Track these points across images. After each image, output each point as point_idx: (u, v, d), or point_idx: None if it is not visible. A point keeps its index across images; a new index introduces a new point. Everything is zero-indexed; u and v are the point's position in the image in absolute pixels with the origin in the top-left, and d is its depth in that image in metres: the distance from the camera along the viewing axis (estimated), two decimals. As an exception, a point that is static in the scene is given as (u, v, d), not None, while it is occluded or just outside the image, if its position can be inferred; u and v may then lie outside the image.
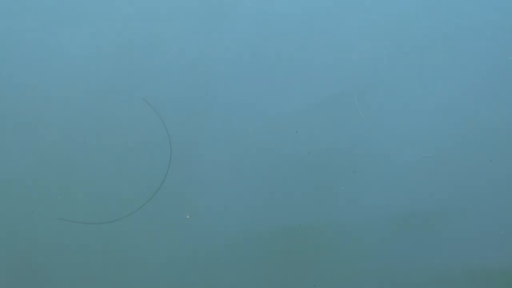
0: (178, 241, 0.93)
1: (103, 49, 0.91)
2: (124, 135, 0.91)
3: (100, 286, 0.93)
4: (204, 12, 0.91)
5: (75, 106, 0.91)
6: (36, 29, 0.91)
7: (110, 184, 0.92)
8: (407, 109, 0.93)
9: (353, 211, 0.93)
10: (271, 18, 0.91)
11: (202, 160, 0.92)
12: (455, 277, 0.95)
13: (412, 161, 0.93)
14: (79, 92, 0.91)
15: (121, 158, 0.92)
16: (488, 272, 0.95)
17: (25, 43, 0.91)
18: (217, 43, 0.91)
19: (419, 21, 0.92)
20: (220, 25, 0.91)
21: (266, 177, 0.93)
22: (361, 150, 0.93)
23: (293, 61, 0.92)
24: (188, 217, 0.93)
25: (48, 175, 0.91)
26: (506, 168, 0.93)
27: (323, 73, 0.92)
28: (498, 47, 0.93)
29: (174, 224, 0.93)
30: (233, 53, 0.91)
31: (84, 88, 0.91)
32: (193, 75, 0.92)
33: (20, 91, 0.91)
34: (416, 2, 0.92)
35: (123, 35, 0.91)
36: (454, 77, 0.93)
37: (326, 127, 0.93)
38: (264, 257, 0.94)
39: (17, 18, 0.91)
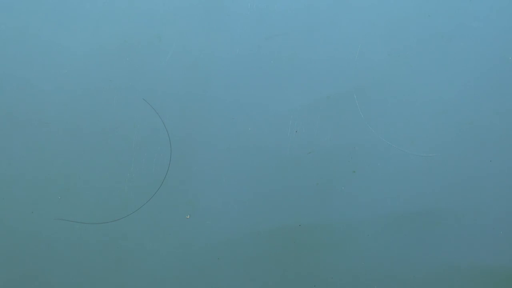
0: (178, 241, 0.93)
1: (103, 49, 0.91)
2: (124, 135, 0.91)
3: (100, 286, 0.93)
4: (204, 12, 0.91)
5: (75, 106, 0.91)
6: (36, 29, 0.91)
7: (110, 184, 0.92)
8: (407, 109, 0.92)
9: (353, 211, 0.93)
10: (271, 17, 0.91)
11: (202, 160, 0.92)
12: (455, 277, 0.95)
13: (412, 161, 0.93)
14: (79, 92, 0.91)
15: (121, 158, 0.92)
16: (488, 272, 0.95)
17: (25, 43, 0.91)
18: (217, 43, 0.91)
19: (419, 21, 0.92)
20: (220, 24, 0.91)
21: (266, 177, 0.93)
22: (361, 150, 0.93)
23: (293, 60, 0.92)
24: (188, 217, 0.93)
25: (48, 175, 0.91)
26: (506, 168, 0.93)
27: (323, 73, 0.92)
28: (498, 47, 0.93)
29: (174, 224, 0.93)
30: (233, 53, 0.91)
31: (84, 88, 0.91)
32: (193, 75, 0.92)
33: (20, 91, 0.91)
34: (416, 2, 0.92)
35: (123, 35, 0.91)
36: (454, 77, 0.93)
37: (326, 127, 0.93)
38: (264, 257, 0.94)
39: (17, 18, 0.91)
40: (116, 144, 0.91)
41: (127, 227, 0.92)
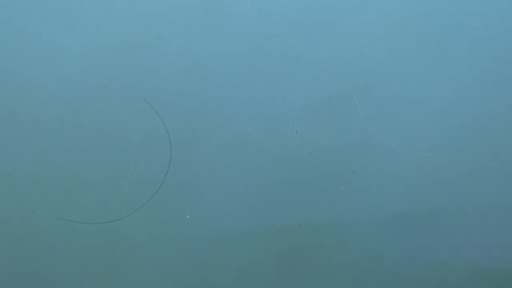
0: (178, 241, 0.93)
1: (103, 49, 0.91)
2: (124, 135, 0.91)
3: (100, 286, 0.93)
4: (204, 12, 0.91)
5: (75, 106, 0.91)
6: (36, 29, 0.91)
7: (110, 184, 0.92)
8: (407, 109, 0.93)
9: (353, 211, 0.93)
10: (271, 17, 0.91)
11: (202, 160, 0.92)
12: (455, 277, 0.95)
13: (412, 161, 0.93)
14: (79, 92, 0.91)
15: (121, 158, 0.92)
16: (488, 272, 0.95)
17: (25, 43, 0.91)
18: (217, 43, 0.91)
19: (419, 21, 0.92)
20: (220, 24, 0.91)
21: (266, 177, 0.93)
22: (361, 150, 0.93)
23: (293, 60, 0.92)
24: (188, 217, 0.93)
25: (48, 175, 0.91)
26: (506, 168, 0.93)
27: (323, 73, 0.92)
28: (498, 47, 0.93)
29: (174, 224, 0.93)
30: (233, 53, 0.91)
31: (84, 88, 0.91)
32: (193, 75, 0.92)
33: (20, 91, 0.91)
34: (416, 2, 0.92)
35: (123, 35, 0.91)
36: (454, 77, 0.93)
37: (326, 127, 0.93)
38: (264, 257, 0.94)
39: (17, 18, 0.91)
40: (116, 144, 0.91)
41: (127, 227, 0.92)
